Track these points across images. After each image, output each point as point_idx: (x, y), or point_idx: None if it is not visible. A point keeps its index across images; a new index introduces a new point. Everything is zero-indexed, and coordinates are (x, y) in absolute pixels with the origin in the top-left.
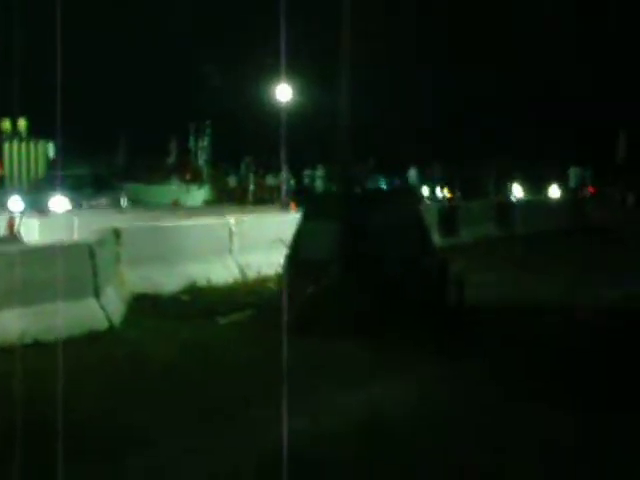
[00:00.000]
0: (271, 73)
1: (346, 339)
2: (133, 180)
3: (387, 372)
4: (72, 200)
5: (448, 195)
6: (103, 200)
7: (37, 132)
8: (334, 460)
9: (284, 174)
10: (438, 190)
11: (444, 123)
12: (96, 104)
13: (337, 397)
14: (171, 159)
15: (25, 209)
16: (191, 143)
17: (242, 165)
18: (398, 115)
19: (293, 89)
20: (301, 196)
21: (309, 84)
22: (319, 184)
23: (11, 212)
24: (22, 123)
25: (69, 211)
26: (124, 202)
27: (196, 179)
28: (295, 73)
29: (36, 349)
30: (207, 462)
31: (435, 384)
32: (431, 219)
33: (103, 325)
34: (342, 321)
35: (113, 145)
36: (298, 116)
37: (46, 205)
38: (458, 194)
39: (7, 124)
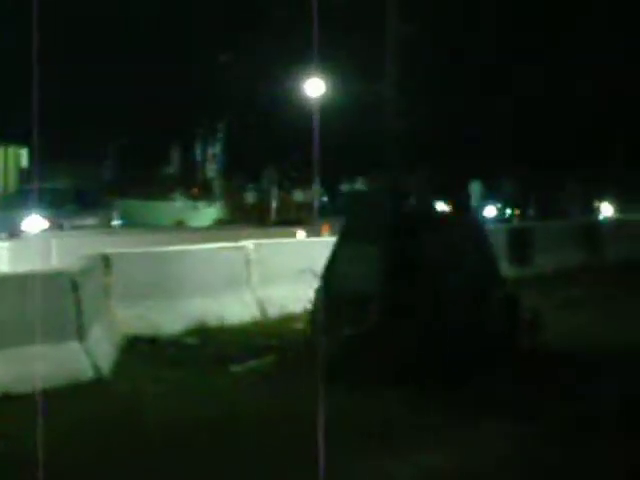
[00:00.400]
0: (301, 65)
1: (390, 393)
2: (126, 195)
3: (441, 434)
4: (51, 219)
5: (516, 213)
6: (89, 219)
7: (6, 136)
8: None
9: (315, 188)
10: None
11: (517, 127)
12: (79, 102)
13: (386, 464)
14: (171, 169)
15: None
16: (198, 151)
17: (263, 177)
18: (458, 117)
19: (327, 84)
20: (338, 214)
21: (346, 78)
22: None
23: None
24: None
25: (47, 232)
26: (116, 222)
27: (205, 194)
28: (330, 65)
29: (5, 403)
30: None
31: (501, 447)
32: (499, 244)
33: (88, 374)
34: (383, 374)
35: (100, 153)
36: (333, 117)
37: (18, 225)
38: (532, 213)
39: None
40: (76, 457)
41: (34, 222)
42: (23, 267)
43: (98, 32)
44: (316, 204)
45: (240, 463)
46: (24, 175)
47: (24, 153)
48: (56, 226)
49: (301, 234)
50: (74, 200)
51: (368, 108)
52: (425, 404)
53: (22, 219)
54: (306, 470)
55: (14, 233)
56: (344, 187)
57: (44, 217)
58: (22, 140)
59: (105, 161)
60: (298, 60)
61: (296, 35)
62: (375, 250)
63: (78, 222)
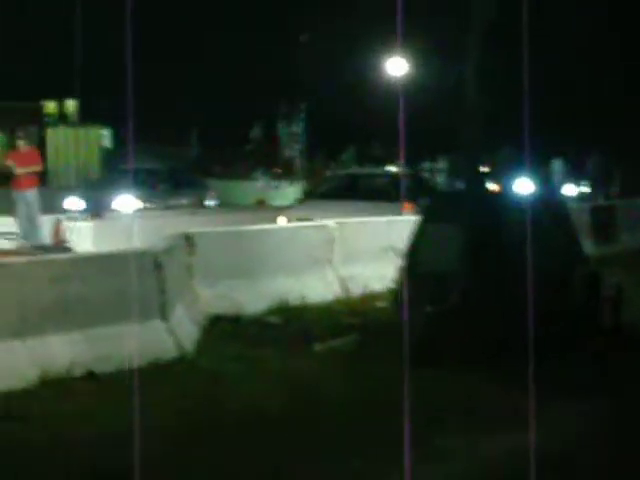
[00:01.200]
0: (383, 45)
1: (475, 371)
2: (210, 175)
3: (525, 412)
4: (144, 199)
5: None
6: (183, 199)
7: (89, 118)
8: None
9: (398, 167)
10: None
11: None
12: (162, 82)
13: (480, 445)
14: (251, 147)
15: (85, 210)
16: (280, 130)
17: (344, 156)
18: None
19: (409, 63)
20: (420, 193)
21: (428, 58)
22: (440, 178)
23: (70, 213)
24: (70, 105)
25: (138, 212)
26: (211, 202)
27: (287, 173)
28: (412, 44)
29: (89, 383)
30: None
31: (582, 426)
32: (582, 222)
33: (171, 353)
34: (469, 349)
35: (183, 133)
36: (414, 96)
37: (106, 205)
38: (615, 191)
39: (52, 106)
40: (164, 433)
41: (126, 202)
42: (109, 246)
43: (179, 12)
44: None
45: (325, 443)
46: (107, 156)
47: (106, 134)
48: (149, 206)
49: (282, 220)
50: (168, 180)
51: (450, 87)
52: (508, 381)
53: (112, 199)
54: (395, 447)
55: (99, 213)
56: (426, 165)
57: (136, 197)
58: (104, 122)
59: (189, 142)
60: (381, 40)
61: (379, 15)
62: (458, 229)
63: (172, 202)
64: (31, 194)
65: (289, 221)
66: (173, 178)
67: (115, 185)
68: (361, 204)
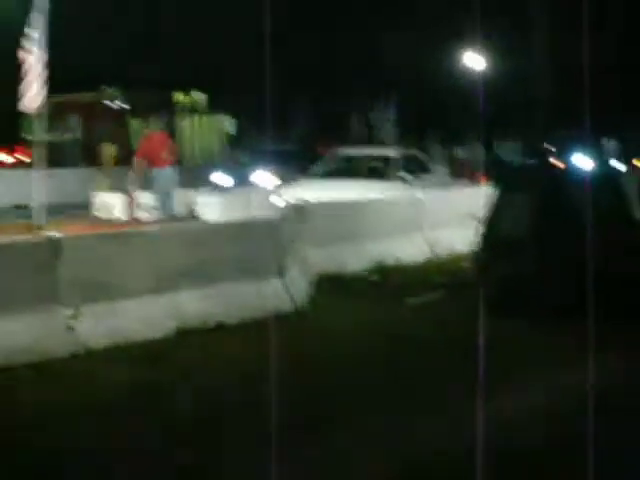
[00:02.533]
0: (460, 39)
1: (548, 324)
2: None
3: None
4: (276, 175)
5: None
6: None
7: (216, 106)
8: None
9: (475, 146)
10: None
11: None
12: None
13: (560, 377)
14: (354, 130)
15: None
16: (372, 117)
17: (427, 137)
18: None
19: (484, 56)
20: (496, 169)
21: (501, 50)
22: (513, 156)
23: (218, 186)
24: (198, 96)
25: (276, 186)
26: None
27: None
28: (486, 38)
29: (220, 332)
30: None
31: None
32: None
33: (287, 306)
34: (540, 307)
35: (286, 118)
36: (489, 85)
37: (247, 180)
38: None
39: (181, 96)
40: (295, 370)
41: (263, 177)
42: (236, 216)
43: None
44: (473, 160)
45: (414, 377)
46: (231, 141)
47: (231, 120)
48: (284, 181)
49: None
50: (297, 158)
51: (519, 78)
52: (566, 334)
53: (251, 174)
54: (468, 382)
55: (237, 186)
56: (499, 144)
57: (271, 173)
58: (229, 109)
59: (293, 128)
60: (460, 36)
61: (458, 14)
62: (530, 199)
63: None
64: (168, 171)
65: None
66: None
67: (254, 163)
68: (352, 182)
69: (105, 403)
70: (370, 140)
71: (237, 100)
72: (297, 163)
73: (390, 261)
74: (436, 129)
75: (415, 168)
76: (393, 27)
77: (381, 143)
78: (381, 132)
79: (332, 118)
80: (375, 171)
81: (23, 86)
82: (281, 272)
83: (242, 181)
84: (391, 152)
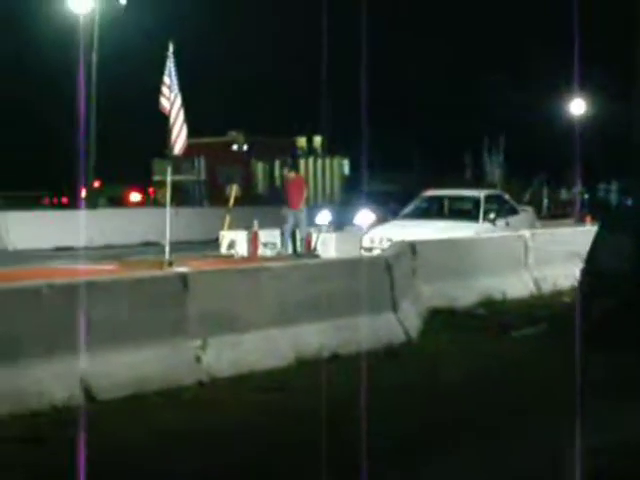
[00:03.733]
0: (563, 87)
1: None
2: None
3: None
4: (378, 215)
5: None
6: None
7: (332, 150)
8: None
9: (578, 188)
10: None
11: None
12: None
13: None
14: (467, 174)
15: (331, 222)
16: (485, 157)
17: (535, 180)
18: None
19: (586, 103)
20: (597, 209)
21: (602, 98)
22: (613, 198)
23: (320, 227)
24: (317, 140)
25: (373, 225)
26: None
27: None
28: (588, 87)
29: (335, 362)
30: None
31: None
32: None
33: (400, 339)
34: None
35: (406, 160)
36: (592, 130)
37: (350, 220)
38: None
39: (303, 141)
40: (402, 403)
41: (365, 216)
42: (349, 253)
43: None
44: (578, 201)
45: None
46: (346, 181)
47: (346, 163)
48: (382, 220)
49: (367, 239)
50: (397, 200)
51: (621, 122)
52: None
53: (354, 214)
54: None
55: (342, 226)
56: (602, 186)
57: (373, 212)
58: (345, 153)
59: (413, 167)
60: (561, 84)
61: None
62: (630, 237)
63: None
64: (301, 212)
65: (373, 241)
66: (403, 199)
67: (356, 203)
68: (441, 223)
69: (227, 426)
70: (479, 183)
71: (350, 143)
72: (396, 203)
73: (497, 296)
74: (542, 172)
75: (501, 209)
76: (509, 84)
77: (492, 186)
78: (491, 175)
79: (445, 162)
80: (461, 212)
81: (173, 132)
82: (395, 306)
83: (347, 220)
84: (477, 193)
